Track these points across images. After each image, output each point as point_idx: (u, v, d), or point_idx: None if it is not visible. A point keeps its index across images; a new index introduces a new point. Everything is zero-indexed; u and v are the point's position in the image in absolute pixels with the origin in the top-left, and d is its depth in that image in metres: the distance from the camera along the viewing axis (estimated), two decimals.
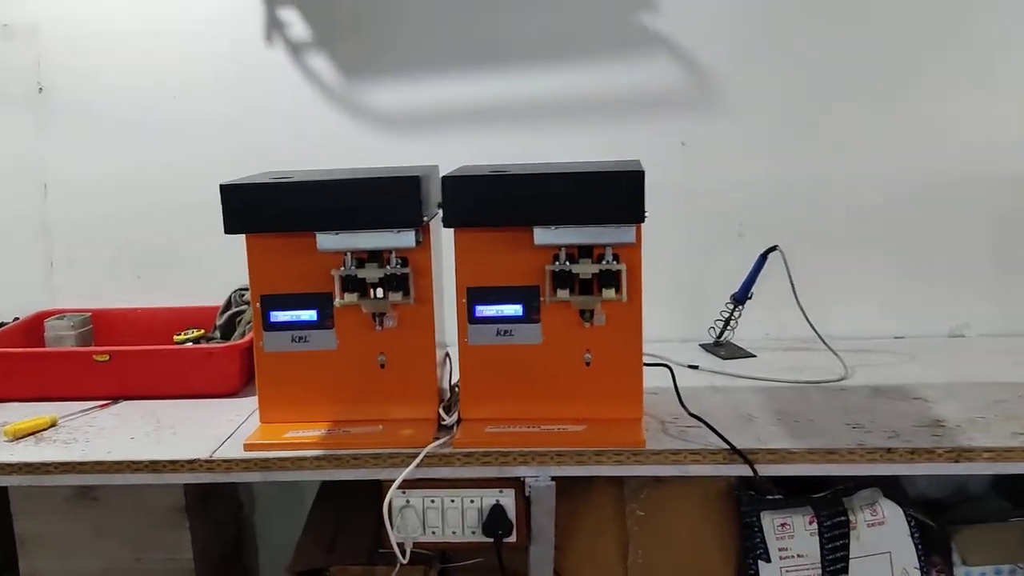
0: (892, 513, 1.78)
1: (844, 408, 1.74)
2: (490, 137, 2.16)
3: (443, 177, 1.57)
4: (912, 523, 1.79)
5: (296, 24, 2.17)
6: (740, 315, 2.12)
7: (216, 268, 2.10)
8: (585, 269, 1.59)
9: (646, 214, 1.54)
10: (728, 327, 2.13)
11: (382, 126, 2.19)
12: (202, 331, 2.11)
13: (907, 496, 1.94)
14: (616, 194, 1.54)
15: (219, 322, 2.11)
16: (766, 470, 1.57)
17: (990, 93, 2.12)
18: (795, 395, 1.82)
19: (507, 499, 1.63)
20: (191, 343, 2.06)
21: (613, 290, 1.59)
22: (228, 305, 2.12)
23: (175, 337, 2.09)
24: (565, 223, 1.56)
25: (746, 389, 1.88)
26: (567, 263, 1.59)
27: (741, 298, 2.09)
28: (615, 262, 1.59)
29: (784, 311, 2.12)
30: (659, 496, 1.81)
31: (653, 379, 1.76)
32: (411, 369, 1.68)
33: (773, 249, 2.02)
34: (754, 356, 2.09)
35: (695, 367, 2.01)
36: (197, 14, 2.18)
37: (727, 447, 1.57)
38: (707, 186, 2.19)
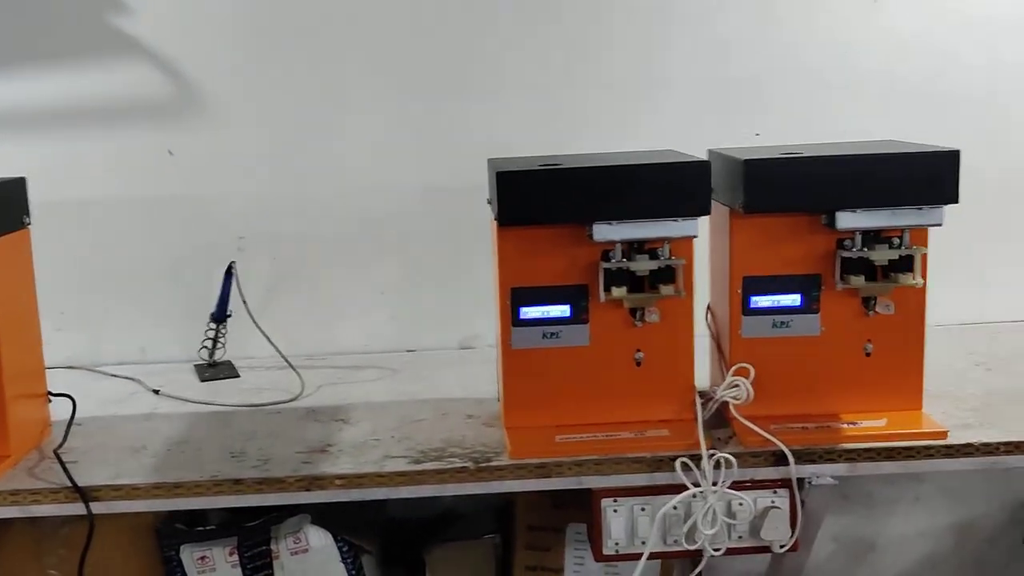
0: (319, 540, 1.71)
1: (248, 434, 1.65)
2: None
3: None
4: (345, 548, 1.73)
5: None
6: (226, 333, 2.02)
7: None
8: None
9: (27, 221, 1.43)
10: (217, 346, 2.03)
11: None
12: None
13: (378, 519, 1.90)
14: None
15: None
16: (114, 507, 1.47)
17: (490, 104, 2.08)
18: (218, 420, 1.74)
19: None
20: None
21: None
22: None
23: None
24: None
25: (182, 415, 1.77)
26: None
27: (220, 316, 1.99)
28: None
29: (295, 328, 2.07)
30: (82, 533, 1.69)
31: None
32: None
33: (232, 265, 1.93)
34: (238, 376, 2.00)
35: (157, 391, 1.91)
36: None
37: (70, 486, 1.46)
38: (203, 197, 2.09)
